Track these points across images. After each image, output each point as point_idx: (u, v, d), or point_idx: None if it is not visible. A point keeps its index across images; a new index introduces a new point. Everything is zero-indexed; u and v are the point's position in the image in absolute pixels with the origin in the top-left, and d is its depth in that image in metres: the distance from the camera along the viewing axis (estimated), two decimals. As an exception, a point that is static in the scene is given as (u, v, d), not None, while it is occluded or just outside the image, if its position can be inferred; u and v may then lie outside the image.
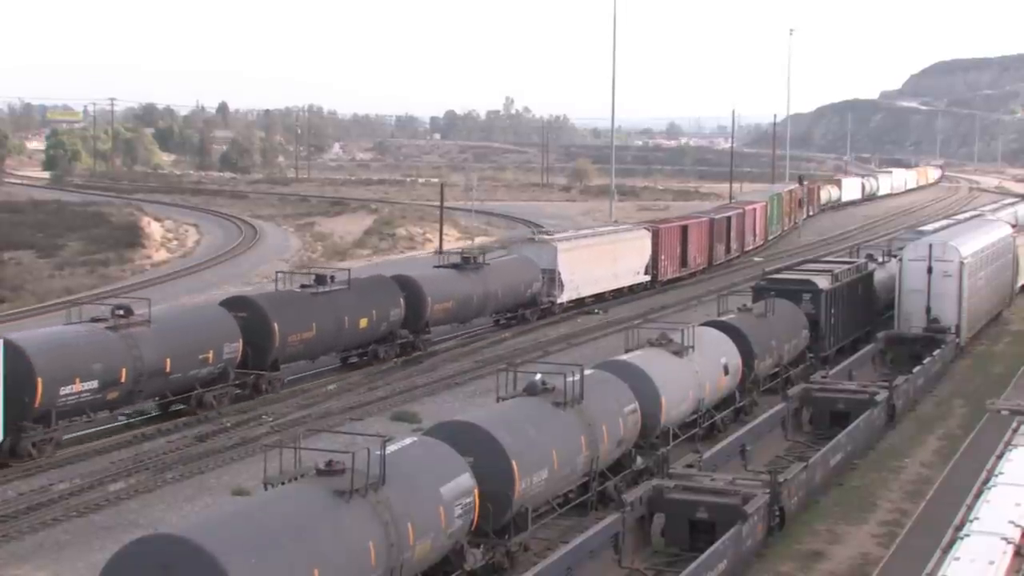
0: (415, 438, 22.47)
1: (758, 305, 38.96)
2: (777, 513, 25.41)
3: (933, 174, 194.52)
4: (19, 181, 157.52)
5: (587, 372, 26.74)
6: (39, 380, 29.26)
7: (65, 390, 30.00)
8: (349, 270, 43.71)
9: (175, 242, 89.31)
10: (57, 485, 28.45)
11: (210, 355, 34.55)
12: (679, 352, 31.25)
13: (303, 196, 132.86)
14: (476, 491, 21.58)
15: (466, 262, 48.41)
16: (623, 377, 28.30)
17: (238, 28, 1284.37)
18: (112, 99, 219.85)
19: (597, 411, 26.13)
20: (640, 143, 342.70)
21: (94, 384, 30.79)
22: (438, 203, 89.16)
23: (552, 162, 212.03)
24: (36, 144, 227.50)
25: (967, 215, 68.12)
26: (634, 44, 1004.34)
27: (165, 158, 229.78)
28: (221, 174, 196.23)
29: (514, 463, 22.63)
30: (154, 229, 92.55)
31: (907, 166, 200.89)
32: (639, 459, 28.45)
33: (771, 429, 32.18)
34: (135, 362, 31.88)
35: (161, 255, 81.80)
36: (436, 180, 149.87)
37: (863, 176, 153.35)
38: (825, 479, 29.09)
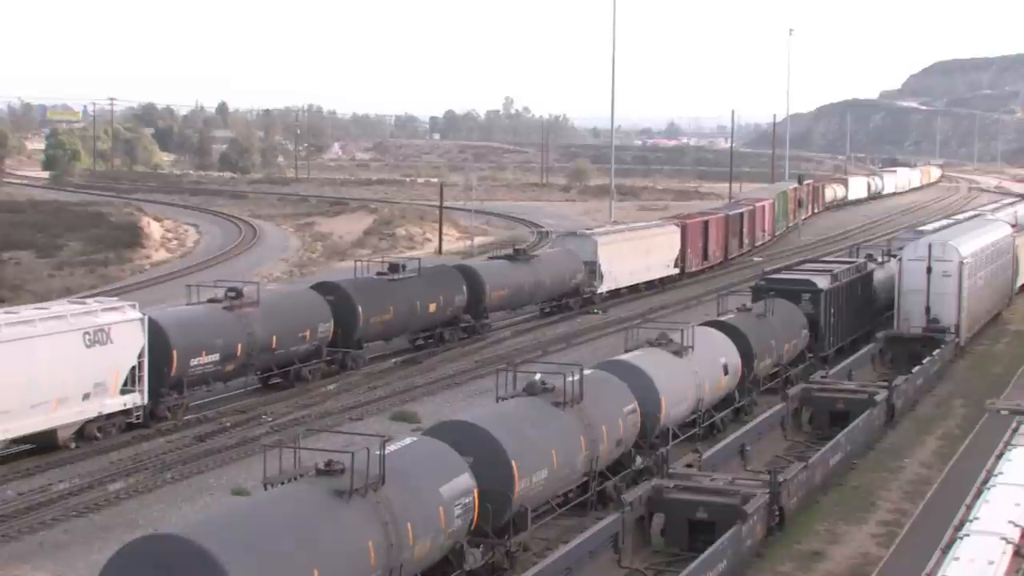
0: (415, 438, 22.48)
1: (758, 305, 38.98)
2: (777, 513, 25.41)
3: (935, 173, 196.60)
4: (19, 181, 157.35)
5: (587, 372, 26.75)
6: (174, 352, 33.44)
7: (194, 361, 34.25)
8: (419, 259, 47.01)
9: (175, 242, 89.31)
10: (57, 485, 28.45)
11: (307, 333, 38.61)
12: (679, 352, 31.26)
13: (303, 196, 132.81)
14: (476, 491, 21.58)
15: (518, 254, 52.14)
16: (623, 377, 28.31)
17: (238, 28, 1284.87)
18: (112, 99, 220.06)
19: (597, 411, 26.13)
20: (640, 143, 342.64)
21: (216, 357, 34.96)
22: (438, 203, 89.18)
23: (552, 162, 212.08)
24: (36, 144, 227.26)
25: (967, 215, 68.13)
26: (634, 44, 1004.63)
27: (165, 158, 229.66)
28: (221, 174, 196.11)
29: (514, 463, 22.64)
30: (154, 229, 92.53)
31: (905, 166, 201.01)
32: (639, 459, 28.45)
33: (771, 429, 32.19)
34: (248, 338, 36.01)
35: (161, 255, 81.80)
36: (436, 180, 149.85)
37: (868, 175, 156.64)
38: (825, 479, 29.09)
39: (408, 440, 22.04)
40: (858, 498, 29.01)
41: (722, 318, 36.52)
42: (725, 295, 40.38)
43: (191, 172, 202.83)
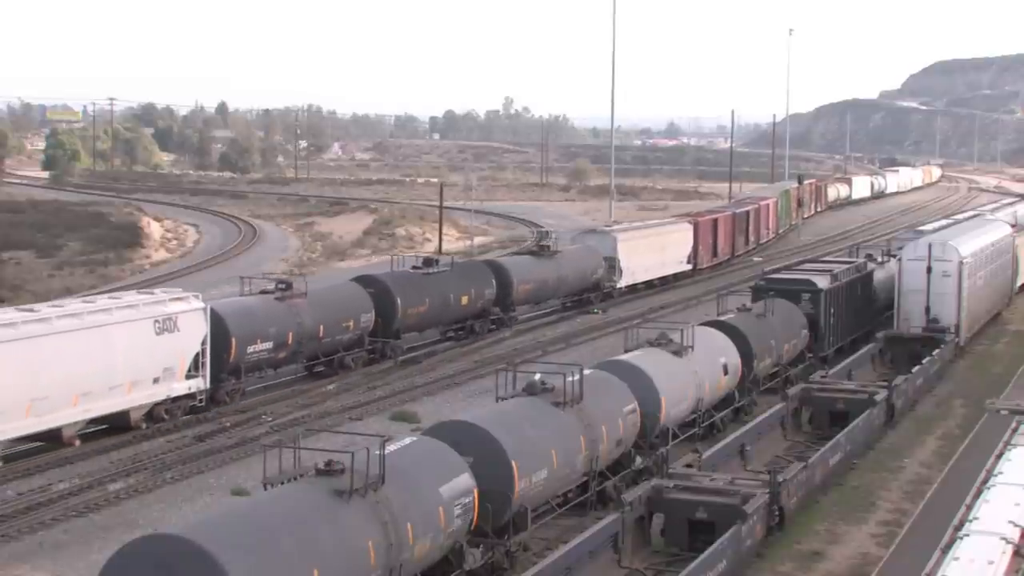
0: (414, 438, 22.48)
1: (757, 305, 38.98)
2: (776, 513, 25.41)
3: (936, 173, 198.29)
4: (19, 181, 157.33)
5: (586, 372, 26.74)
6: (233, 340, 35.45)
7: (250, 349, 36.28)
8: (452, 255, 50.12)
9: (174, 242, 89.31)
10: (56, 485, 28.45)
11: (351, 324, 40.61)
12: (678, 352, 31.26)
13: (302, 196, 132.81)
14: (475, 491, 21.58)
15: (542, 250, 54.13)
16: (622, 377, 28.31)
17: (238, 28, 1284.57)
18: (111, 99, 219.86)
19: (596, 411, 26.13)
20: (639, 143, 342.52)
21: (269, 344, 36.98)
22: (437, 203, 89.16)
23: (551, 162, 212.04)
24: (36, 144, 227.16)
25: (967, 215, 68.11)
26: (634, 44, 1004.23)
27: (164, 158, 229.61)
28: (220, 174, 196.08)
29: (513, 463, 22.64)
30: (154, 229, 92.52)
31: (904, 166, 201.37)
32: (638, 459, 28.44)
33: (770, 429, 32.18)
34: (298, 327, 37.96)
35: (160, 255, 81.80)
36: (435, 180, 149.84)
37: (872, 175, 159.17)
38: (825, 479, 29.08)
39: (408, 440, 22.04)
40: (858, 498, 29.01)
41: (722, 318, 36.52)
42: (725, 295, 40.38)
43: (191, 172, 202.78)
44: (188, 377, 34.25)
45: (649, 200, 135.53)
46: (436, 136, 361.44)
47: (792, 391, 34.39)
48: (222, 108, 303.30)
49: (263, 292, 38.83)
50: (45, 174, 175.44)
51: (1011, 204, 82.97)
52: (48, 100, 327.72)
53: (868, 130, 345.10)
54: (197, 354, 34.36)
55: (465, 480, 21.39)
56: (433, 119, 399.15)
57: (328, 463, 19.19)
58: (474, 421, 23.34)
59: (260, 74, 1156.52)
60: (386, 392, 38.75)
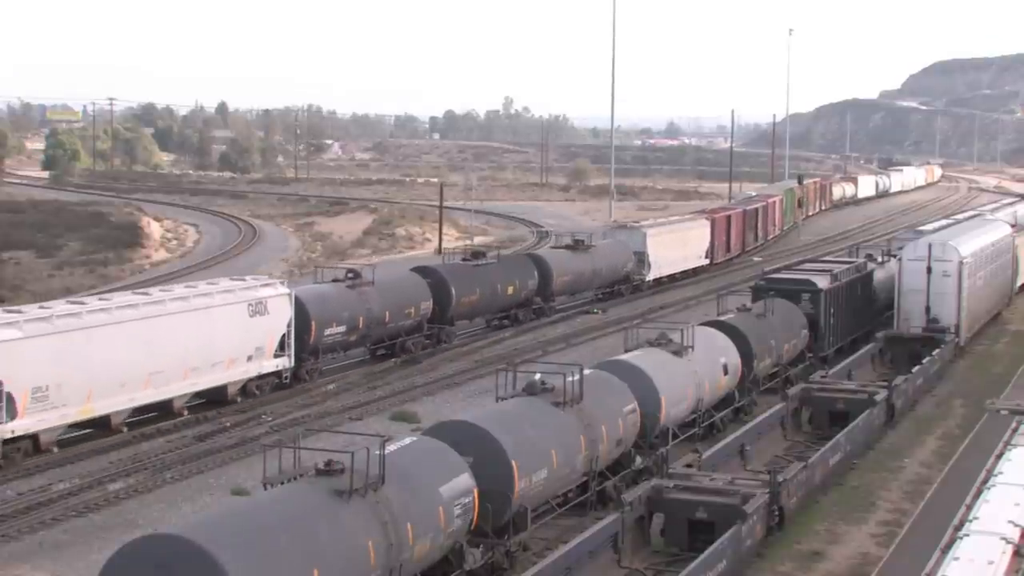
0: (414, 438, 22.47)
1: (757, 305, 38.97)
2: (776, 513, 25.40)
3: (938, 172, 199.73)
4: (19, 181, 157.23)
5: (586, 372, 26.73)
6: (313, 323, 38.61)
7: (327, 331, 39.46)
8: (499, 249, 55.18)
9: (174, 242, 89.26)
10: (56, 485, 28.45)
11: (412, 310, 43.65)
12: (678, 352, 31.25)
13: (302, 196, 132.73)
14: (475, 491, 21.58)
15: (577, 244, 56.86)
16: (622, 377, 28.30)
17: (237, 28, 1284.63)
18: (111, 99, 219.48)
19: (596, 411, 26.12)
20: (639, 143, 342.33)
21: (343, 328, 40.15)
22: (437, 203, 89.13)
23: (551, 162, 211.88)
24: (36, 144, 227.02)
25: (967, 215, 68.09)
26: (633, 44, 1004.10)
27: (164, 158, 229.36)
28: (220, 174, 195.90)
29: (513, 463, 22.63)
30: (154, 229, 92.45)
31: (903, 165, 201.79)
32: (638, 459, 28.44)
33: (770, 429, 32.17)
34: (367, 312, 41.12)
35: (160, 255, 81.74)
36: (435, 180, 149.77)
37: (877, 174, 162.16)
38: (824, 479, 29.07)
39: (408, 440, 22.04)
40: (858, 498, 29.00)
41: (722, 318, 36.51)
42: (725, 295, 40.36)
43: (191, 172, 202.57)
44: (275, 356, 37.43)
45: (649, 200, 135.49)
46: (436, 136, 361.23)
47: (792, 391, 34.38)
48: (222, 108, 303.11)
49: (335, 280, 41.76)
50: (45, 174, 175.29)
51: (1011, 204, 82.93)
52: (48, 100, 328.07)
53: (868, 130, 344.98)
54: (283, 335, 37.55)
55: (465, 480, 21.38)
56: (433, 119, 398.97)
57: (328, 463, 19.18)
58: (474, 421, 23.34)
59: (260, 74, 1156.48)
60: (386, 392, 38.75)
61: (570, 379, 25.48)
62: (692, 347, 31.61)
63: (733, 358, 34.10)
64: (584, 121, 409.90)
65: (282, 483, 18.94)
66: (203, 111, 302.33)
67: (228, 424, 34.40)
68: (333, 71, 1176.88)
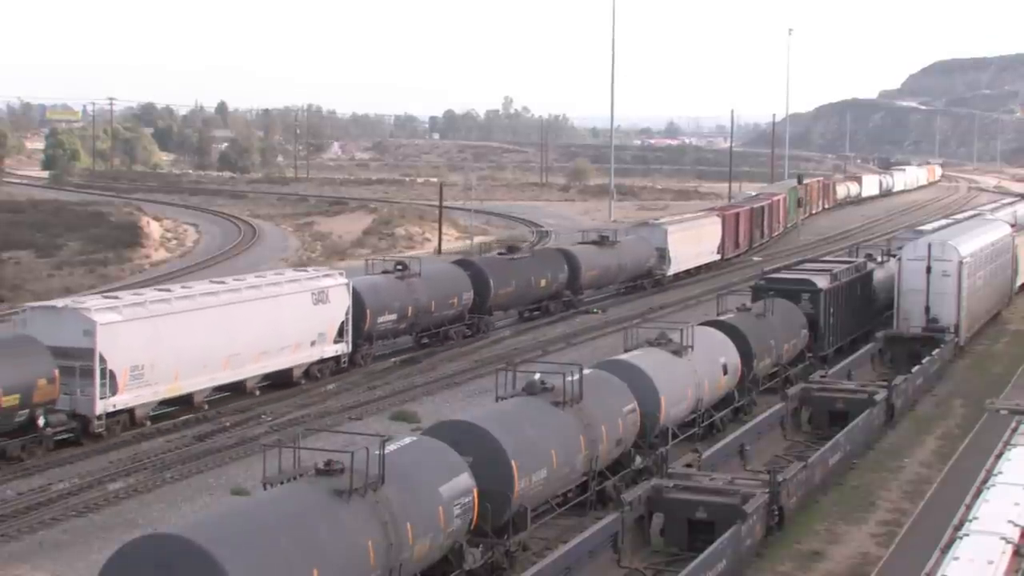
0: (414, 438, 22.47)
1: (757, 305, 38.96)
2: (776, 513, 25.40)
3: (938, 171, 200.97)
4: (19, 181, 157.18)
5: (586, 372, 26.74)
6: (368, 311, 41.60)
7: (380, 319, 42.47)
8: (532, 243, 58.42)
9: (174, 241, 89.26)
10: (56, 485, 28.46)
11: (455, 300, 46.40)
12: (678, 352, 31.25)
13: (302, 196, 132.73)
14: (475, 491, 21.57)
15: (603, 240, 59.42)
16: (622, 377, 28.30)
17: (237, 27, 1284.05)
18: (111, 99, 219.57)
19: (596, 411, 26.12)
20: (639, 143, 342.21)
21: (394, 316, 43.18)
22: (437, 203, 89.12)
23: (551, 162, 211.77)
24: (36, 144, 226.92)
25: (966, 214, 68.07)
26: (633, 44, 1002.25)
27: (164, 158, 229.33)
28: (220, 174, 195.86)
29: (513, 463, 22.63)
30: (153, 229, 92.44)
31: (903, 165, 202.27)
32: (638, 459, 28.44)
33: (770, 429, 32.17)
34: (415, 302, 44.02)
35: (160, 254, 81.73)
36: (435, 180, 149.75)
37: (880, 173, 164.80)
38: (824, 479, 29.07)
39: (408, 440, 22.03)
40: (858, 498, 29.00)
41: (722, 318, 36.50)
42: (724, 295, 40.34)
43: (191, 172, 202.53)
44: (335, 342, 40.13)
45: (649, 200, 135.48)
46: (436, 136, 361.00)
47: (792, 391, 34.37)
48: (222, 108, 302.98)
49: (384, 272, 44.49)
50: (45, 174, 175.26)
51: (1011, 204, 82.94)
52: (48, 100, 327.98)
53: (868, 130, 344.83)
54: (342, 323, 40.35)
55: (465, 480, 21.38)
56: (433, 119, 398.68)
57: (328, 463, 19.18)
58: (474, 421, 23.34)
59: (260, 74, 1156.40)
60: (386, 392, 38.76)
61: (570, 379, 25.48)
62: (692, 347, 31.61)
63: (733, 358, 34.10)
64: (584, 121, 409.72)
65: (282, 483, 18.94)
66: (203, 111, 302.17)
67: (228, 424, 34.40)
68: (333, 71, 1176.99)
